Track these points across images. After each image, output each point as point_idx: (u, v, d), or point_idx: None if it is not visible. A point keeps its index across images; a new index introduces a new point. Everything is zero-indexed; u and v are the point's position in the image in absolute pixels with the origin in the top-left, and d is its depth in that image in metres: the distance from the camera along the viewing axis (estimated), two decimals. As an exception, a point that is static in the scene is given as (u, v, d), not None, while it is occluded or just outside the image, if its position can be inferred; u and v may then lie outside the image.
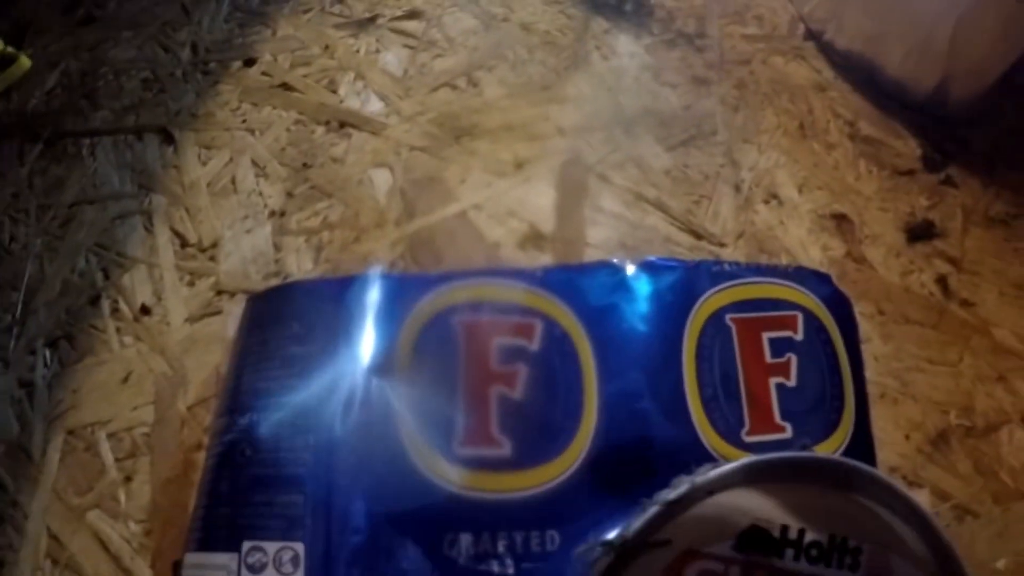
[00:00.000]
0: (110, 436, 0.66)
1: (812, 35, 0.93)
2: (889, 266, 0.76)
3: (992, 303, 0.78)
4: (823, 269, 0.73)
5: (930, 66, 0.88)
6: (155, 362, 0.69)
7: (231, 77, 0.87)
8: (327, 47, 0.87)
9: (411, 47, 0.85)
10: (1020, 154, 0.90)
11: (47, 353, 0.72)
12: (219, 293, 0.71)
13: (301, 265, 0.70)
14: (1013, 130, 0.93)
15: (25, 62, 0.96)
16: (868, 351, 0.72)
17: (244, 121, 0.82)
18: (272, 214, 0.75)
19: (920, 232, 0.81)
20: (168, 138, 0.84)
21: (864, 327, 0.72)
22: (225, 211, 0.76)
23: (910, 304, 0.75)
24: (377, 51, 0.86)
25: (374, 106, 0.80)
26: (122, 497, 0.59)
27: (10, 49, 0.96)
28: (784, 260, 0.73)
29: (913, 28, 0.88)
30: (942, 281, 0.78)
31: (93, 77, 0.93)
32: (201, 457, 0.64)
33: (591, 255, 0.69)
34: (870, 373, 0.70)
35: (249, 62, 0.88)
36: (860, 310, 0.72)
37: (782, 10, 0.95)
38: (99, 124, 0.87)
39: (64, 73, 0.94)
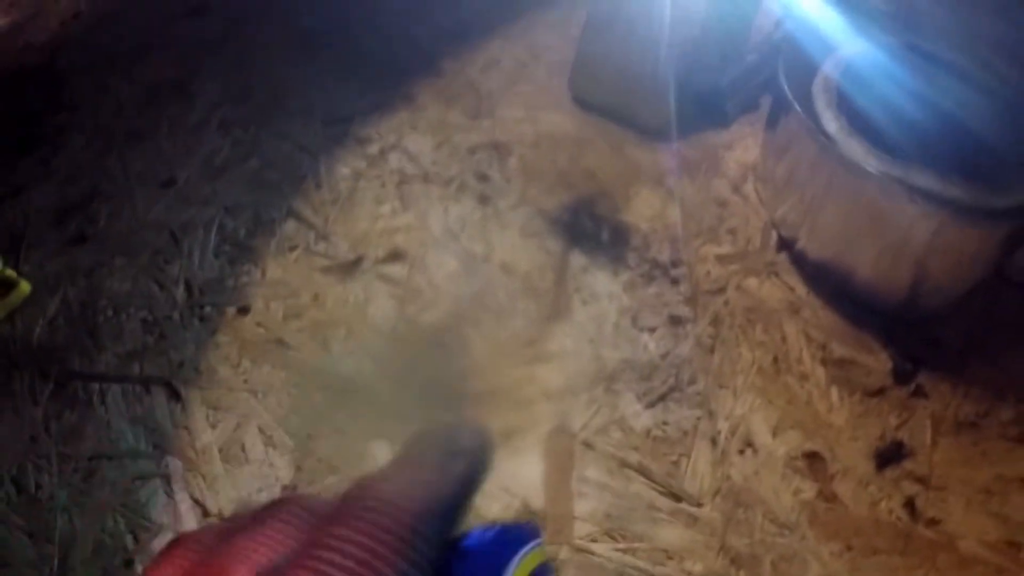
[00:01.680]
0: None
1: (784, 244, 1.11)
2: (858, 499, 0.95)
3: (959, 515, 0.97)
4: (794, 515, 0.92)
5: (902, 270, 1.07)
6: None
7: (228, 326, 1.05)
8: (316, 296, 1.05)
9: (397, 297, 1.03)
10: (991, 345, 1.08)
11: (89, 619, 0.91)
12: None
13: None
14: (984, 318, 1.12)
15: (25, 287, 1.15)
16: (838, 590, 0.90)
17: (246, 381, 1.01)
18: (284, 487, 0.92)
19: (889, 456, 1.00)
20: (174, 393, 1.01)
21: (832, 566, 0.91)
22: (240, 481, 0.95)
23: (878, 535, 0.94)
24: (365, 301, 1.04)
25: (367, 368, 0.98)
26: None
27: (10, 272, 1.13)
28: (759, 511, 0.91)
29: (887, 231, 1.05)
30: (910, 504, 0.97)
31: (93, 310, 1.12)
32: None
33: (580, 529, 0.87)
34: (841, 612, 0.89)
35: (243, 310, 1.05)
36: (830, 550, 0.91)
37: (755, 216, 1.13)
38: (105, 368, 1.06)
39: (64, 301, 1.13)
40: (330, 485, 0.94)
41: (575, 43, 1.31)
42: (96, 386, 1.06)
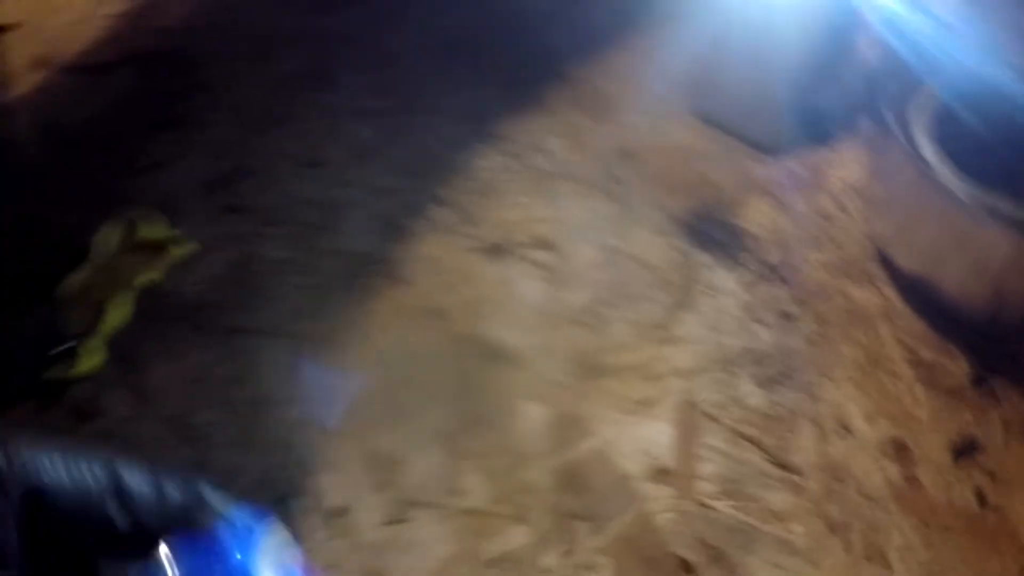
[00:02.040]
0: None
1: (881, 256, 1.28)
2: (936, 483, 1.13)
3: (1021, 507, 1.15)
4: (881, 492, 1.09)
5: (983, 289, 1.23)
6: (355, 559, 1.05)
7: (381, 296, 1.23)
8: (466, 273, 1.23)
9: (543, 279, 1.21)
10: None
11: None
12: (412, 505, 1.06)
13: (475, 487, 1.06)
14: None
15: (189, 247, 1.30)
16: (913, 558, 1.08)
17: (400, 345, 1.18)
18: (442, 437, 1.10)
19: (964, 449, 1.18)
20: (331, 351, 1.18)
21: (910, 538, 1.08)
22: (398, 430, 1.12)
23: (951, 515, 1.12)
24: (513, 280, 1.22)
25: (518, 340, 1.16)
26: None
27: (176, 231, 1.30)
28: (852, 486, 1.09)
29: (971, 251, 1.21)
30: (979, 492, 1.14)
31: (248, 273, 1.29)
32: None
33: (703, 488, 1.06)
34: (914, 576, 1.07)
35: (396, 282, 1.23)
36: (910, 524, 1.09)
37: (855, 229, 1.31)
38: (263, 325, 1.22)
39: (219, 263, 1.30)
40: (483, 435, 1.11)
41: (693, 60, 1.48)
42: (254, 340, 1.23)
